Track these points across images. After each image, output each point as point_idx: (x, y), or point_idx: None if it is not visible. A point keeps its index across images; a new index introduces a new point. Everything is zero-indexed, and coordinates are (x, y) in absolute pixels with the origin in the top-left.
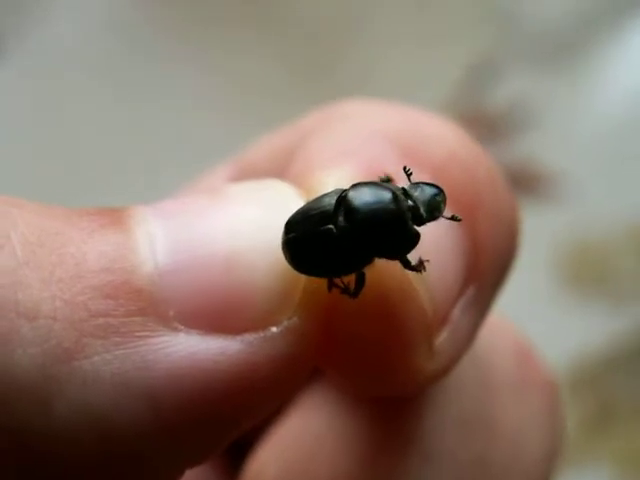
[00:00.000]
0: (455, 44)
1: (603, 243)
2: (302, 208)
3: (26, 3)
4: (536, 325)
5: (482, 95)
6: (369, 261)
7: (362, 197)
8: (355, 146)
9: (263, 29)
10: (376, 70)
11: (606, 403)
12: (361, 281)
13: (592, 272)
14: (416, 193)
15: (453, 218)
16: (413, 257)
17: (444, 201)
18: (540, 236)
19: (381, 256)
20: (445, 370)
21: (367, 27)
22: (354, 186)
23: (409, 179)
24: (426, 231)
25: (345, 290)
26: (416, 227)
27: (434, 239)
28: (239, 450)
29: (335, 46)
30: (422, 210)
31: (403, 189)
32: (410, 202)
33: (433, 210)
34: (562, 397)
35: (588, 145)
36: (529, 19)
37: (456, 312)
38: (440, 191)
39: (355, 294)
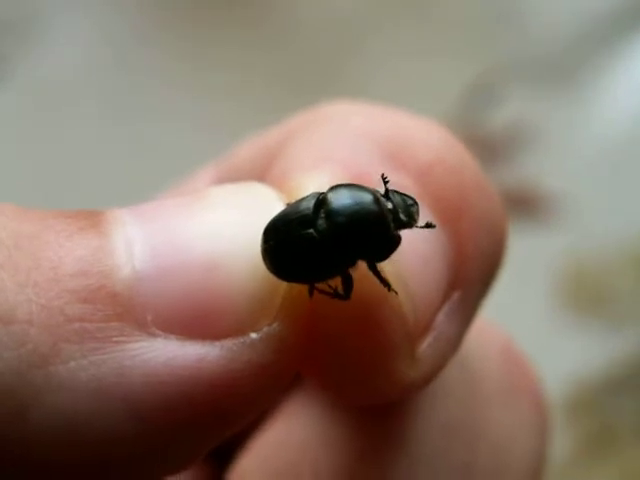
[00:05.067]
0: (455, 66)
1: (602, 265)
2: (280, 214)
3: (28, 28)
4: (535, 346)
5: (481, 116)
6: (352, 264)
7: (343, 199)
8: (338, 149)
9: (262, 43)
10: (373, 89)
11: (605, 425)
12: (349, 283)
13: (591, 293)
14: (394, 198)
15: (428, 225)
16: (394, 261)
17: (417, 211)
18: (539, 257)
19: (362, 259)
20: (428, 378)
21: (366, 45)
22: (333, 188)
23: (385, 186)
24: (409, 235)
25: (336, 294)
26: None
27: (417, 244)
28: (221, 457)
29: (333, 62)
30: (401, 214)
31: (385, 192)
32: (390, 205)
33: (409, 216)
34: (559, 417)
35: (588, 167)
36: (529, 40)
37: (440, 318)
38: (414, 202)
39: (347, 296)
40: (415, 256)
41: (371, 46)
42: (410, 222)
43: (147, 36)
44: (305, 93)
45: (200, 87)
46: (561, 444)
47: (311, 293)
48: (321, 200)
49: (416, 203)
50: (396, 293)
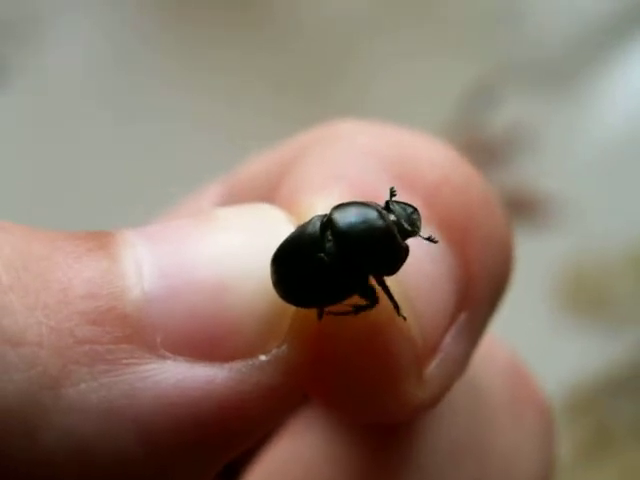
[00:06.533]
0: (455, 67)
1: (601, 267)
2: (286, 240)
3: (28, 28)
4: (534, 349)
5: (481, 118)
6: (365, 282)
7: (348, 218)
8: (346, 169)
9: (263, 44)
10: (374, 90)
11: (603, 427)
12: (373, 292)
13: (590, 296)
14: (395, 208)
15: (430, 239)
16: (401, 282)
17: (420, 219)
18: (538, 260)
19: (373, 274)
20: (436, 398)
21: (366, 47)
22: (336, 208)
23: (391, 197)
24: (416, 257)
25: (359, 308)
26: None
27: (424, 265)
28: (227, 475)
29: (333, 63)
30: (404, 224)
31: (385, 205)
32: (393, 217)
33: (413, 225)
34: (557, 419)
35: (586, 169)
36: (529, 43)
37: (447, 340)
38: (415, 209)
39: (374, 303)
40: (422, 277)
41: (371, 48)
42: (414, 230)
43: (147, 36)
44: (305, 94)
45: (200, 87)
46: (559, 446)
47: (320, 316)
48: (326, 222)
49: (416, 210)
50: (404, 319)
